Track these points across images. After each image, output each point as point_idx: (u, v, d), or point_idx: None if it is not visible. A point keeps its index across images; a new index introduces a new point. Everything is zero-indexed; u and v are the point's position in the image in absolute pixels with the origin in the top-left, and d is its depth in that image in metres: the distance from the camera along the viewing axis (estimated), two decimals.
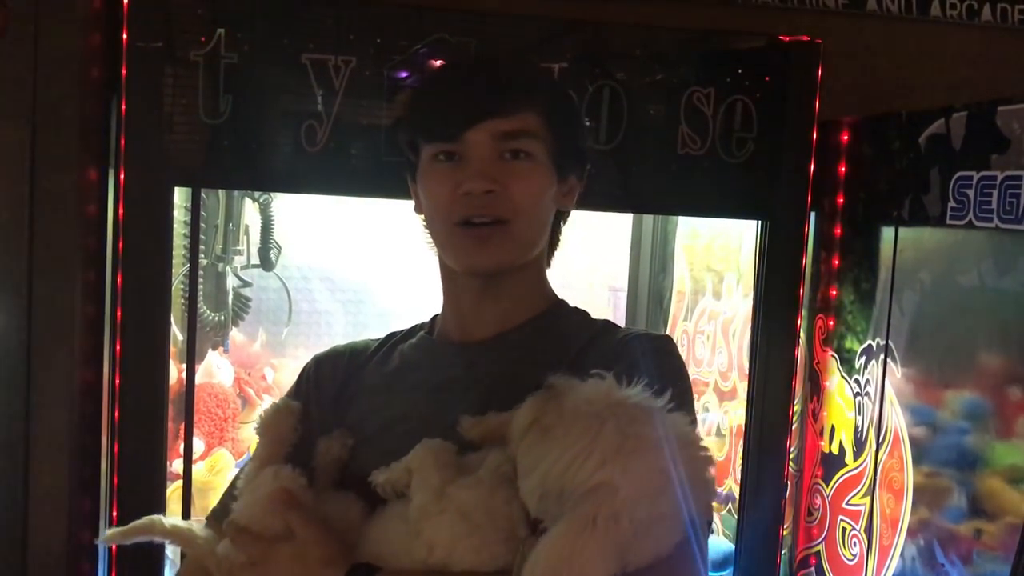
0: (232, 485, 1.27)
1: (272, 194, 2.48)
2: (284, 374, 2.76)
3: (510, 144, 1.16)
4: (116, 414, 1.90)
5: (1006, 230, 1.55)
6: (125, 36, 1.82)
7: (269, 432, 1.24)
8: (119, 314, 1.87)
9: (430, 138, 1.19)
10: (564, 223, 1.31)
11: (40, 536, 1.91)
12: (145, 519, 1.23)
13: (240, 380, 2.60)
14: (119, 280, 1.86)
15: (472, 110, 1.15)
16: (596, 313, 3.21)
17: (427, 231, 1.26)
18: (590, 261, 2.97)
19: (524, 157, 1.17)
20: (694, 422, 1.11)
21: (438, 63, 1.42)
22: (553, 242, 1.30)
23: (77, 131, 1.84)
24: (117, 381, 1.89)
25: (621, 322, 2.91)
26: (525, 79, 1.23)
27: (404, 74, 1.92)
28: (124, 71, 1.83)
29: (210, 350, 2.58)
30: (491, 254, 1.18)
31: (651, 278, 2.86)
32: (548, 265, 1.30)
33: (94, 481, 1.93)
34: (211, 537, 1.20)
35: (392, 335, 1.36)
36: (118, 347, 1.88)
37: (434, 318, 1.34)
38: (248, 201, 2.52)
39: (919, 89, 2.17)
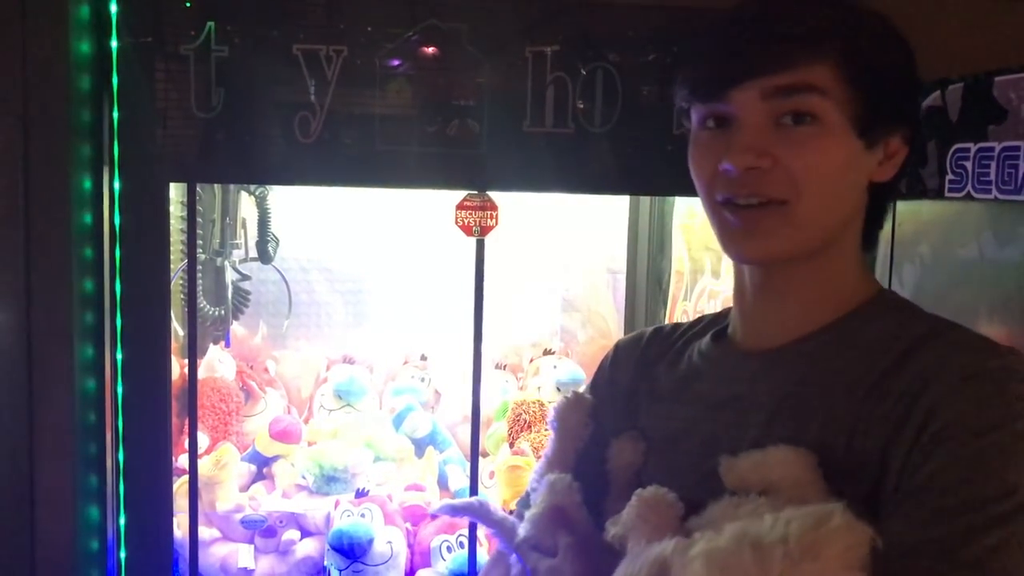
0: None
1: (268, 187, 2.48)
2: (286, 366, 2.77)
3: (787, 105, 0.94)
4: (119, 411, 1.90)
5: (1005, 201, 1.54)
6: (115, 32, 1.81)
7: (560, 426, 1.19)
8: (119, 311, 1.87)
9: (694, 97, 1.00)
10: (891, 199, 1.07)
11: (47, 542, 1.90)
12: (475, 500, 1.22)
13: (243, 373, 2.60)
14: (118, 278, 1.86)
15: (740, 63, 0.95)
16: (596, 295, 3.20)
17: None
18: (589, 244, 2.98)
19: (809, 121, 0.94)
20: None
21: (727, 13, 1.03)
22: (873, 223, 1.05)
23: (69, 131, 1.82)
24: (120, 379, 1.89)
25: (621, 304, 2.96)
26: (812, 23, 0.96)
27: (396, 62, 1.91)
28: (115, 68, 1.82)
29: (211, 344, 2.59)
30: (761, 242, 0.97)
31: (650, 259, 2.86)
32: (869, 248, 1.06)
33: (100, 480, 1.93)
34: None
35: (700, 320, 1.18)
36: (119, 344, 1.88)
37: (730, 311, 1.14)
38: (244, 195, 2.52)
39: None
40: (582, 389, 1.24)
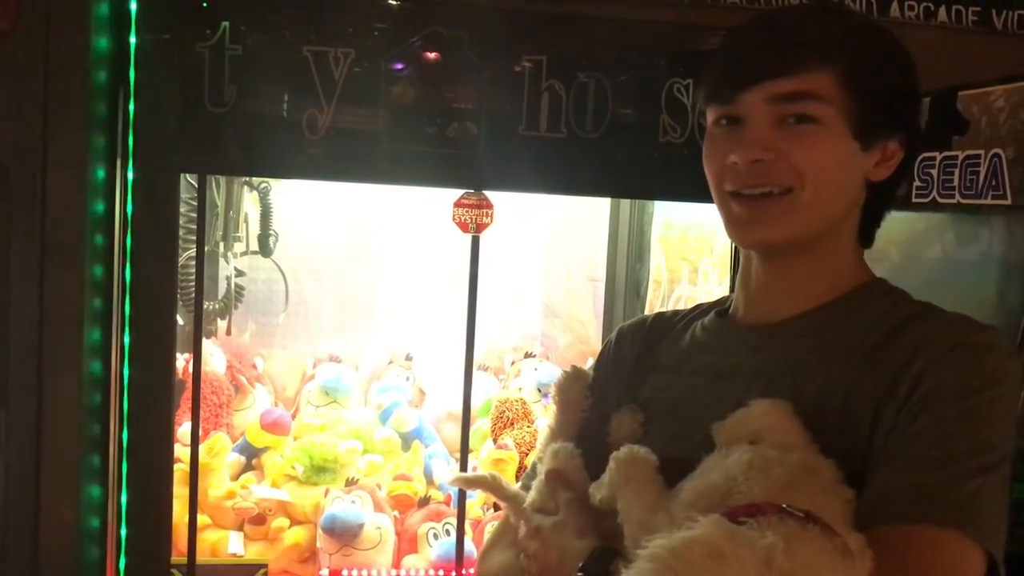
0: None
1: (270, 182, 2.57)
2: (273, 363, 2.84)
3: (790, 109, 1.04)
4: (125, 394, 1.97)
5: (967, 204, 1.68)
6: (134, 29, 1.90)
7: (560, 398, 1.27)
8: (127, 302, 1.94)
9: (709, 99, 1.11)
10: (893, 196, 1.15)
11: (51, 518, 1.95)
12: (489, 475, 1.27)
13: (232, 368, 2.67)
14: (127, 269, 1.93)
15: (749, 70, 1.06)
16: (576, 302, 3.29)
17: None
18: (570, 253, 3.09)
19: (809, 121, 1.04)
20: (978, 445, 0.95)
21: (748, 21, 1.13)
22: (871, 220, 1.14)
23: (86, 123, 1.90)
24: (126, 362, 1.96)
25: (599, 311, 3.06)
26: (817, 35, 1.06)
27: (400, 66, 2.02)
28: (132, 63, 1.90)
29: (204, 338, 2.65)
30: (767, 227, 1.07)
31: (628, 268, 2.97)
32: (866, 244, 1.15)
33: (103, 464, 1.99)
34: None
35: (699, 307, 1.28)
36: (126, 329, 1.95)
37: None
38: (246, 189, 2.60)
39: None
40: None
